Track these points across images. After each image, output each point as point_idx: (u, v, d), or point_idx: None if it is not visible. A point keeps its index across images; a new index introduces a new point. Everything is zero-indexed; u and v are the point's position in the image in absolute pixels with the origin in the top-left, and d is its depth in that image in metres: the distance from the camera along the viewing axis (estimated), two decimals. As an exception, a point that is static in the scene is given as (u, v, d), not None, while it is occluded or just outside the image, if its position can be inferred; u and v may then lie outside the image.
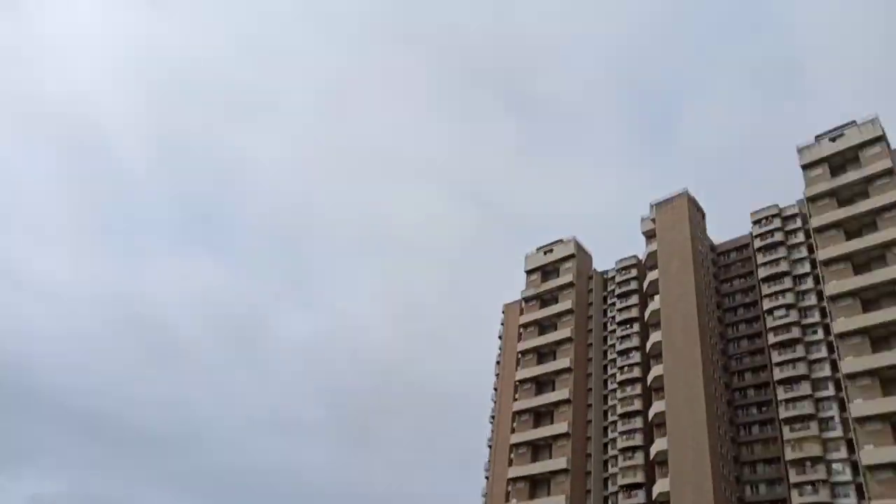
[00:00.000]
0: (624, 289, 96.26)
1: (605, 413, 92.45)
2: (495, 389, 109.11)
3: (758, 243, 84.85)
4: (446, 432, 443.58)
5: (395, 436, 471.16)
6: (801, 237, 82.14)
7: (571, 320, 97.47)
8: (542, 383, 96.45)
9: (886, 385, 61.23)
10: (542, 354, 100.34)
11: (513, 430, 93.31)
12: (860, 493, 61.28)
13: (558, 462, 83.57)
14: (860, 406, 60.48)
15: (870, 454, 57.45)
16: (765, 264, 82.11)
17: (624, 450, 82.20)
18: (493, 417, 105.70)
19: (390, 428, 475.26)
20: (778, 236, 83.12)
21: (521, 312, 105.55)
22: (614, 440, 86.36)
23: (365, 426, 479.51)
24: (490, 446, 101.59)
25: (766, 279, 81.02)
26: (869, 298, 68.60)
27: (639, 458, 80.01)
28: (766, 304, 78.85)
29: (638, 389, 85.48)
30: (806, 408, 69.14)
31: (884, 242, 69.55)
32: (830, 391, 69.19)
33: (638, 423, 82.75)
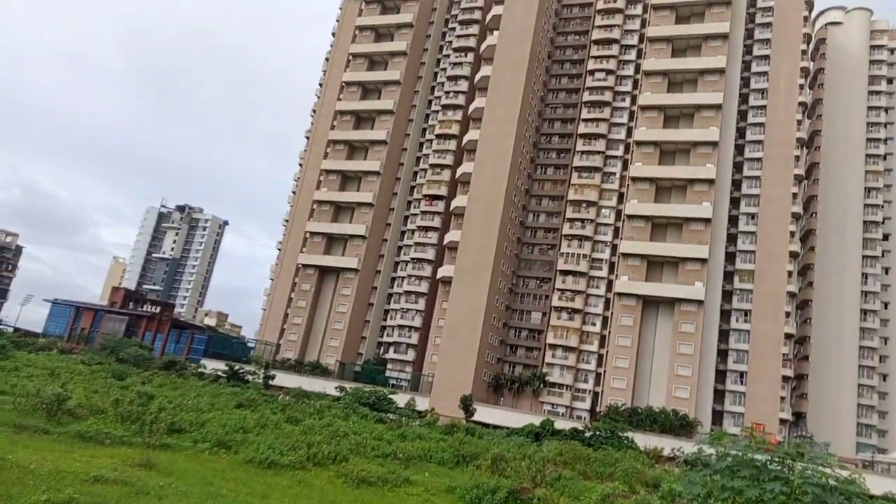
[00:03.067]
0: (467, 17, 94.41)
1: (424, 131, 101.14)
2: (320, 85, 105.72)
3: (600, 5, 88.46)
4: (262, 112, 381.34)
5: (207, 104, 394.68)
6: (638, 11, 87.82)
7: (410, 34, 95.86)
8: (368, 90, 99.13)
9: (663, 156, 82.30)
10: (374, 62, 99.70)
11: (332, 128, 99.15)
12: (616, 234, 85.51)
13: (372, 164, 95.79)
14: (639, 168, 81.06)
15: (633, 206, 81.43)
16: (600, 27, 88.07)
17: (434, 166, 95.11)
18: (314, 111, 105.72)
19: (201, 95, 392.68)
20: (619, 4, 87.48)
21: (360, 14, 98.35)
22: (427, 156, 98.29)
23: (173, 88, 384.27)
24: (308, 137, 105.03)
25: (598, 42, 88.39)
26: (675, 81, 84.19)
27: (446, 175, 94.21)
28: (591, 65, 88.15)
29: (459, 115, 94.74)
30: (596, 161, 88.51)
31: (704, 34, 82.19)
32: (619, 152, 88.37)
33: (452, 145, 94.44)
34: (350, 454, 20.95)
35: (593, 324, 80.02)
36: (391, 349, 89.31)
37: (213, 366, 68.24)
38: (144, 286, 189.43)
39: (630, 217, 78.35)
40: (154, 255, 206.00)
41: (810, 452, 8.90)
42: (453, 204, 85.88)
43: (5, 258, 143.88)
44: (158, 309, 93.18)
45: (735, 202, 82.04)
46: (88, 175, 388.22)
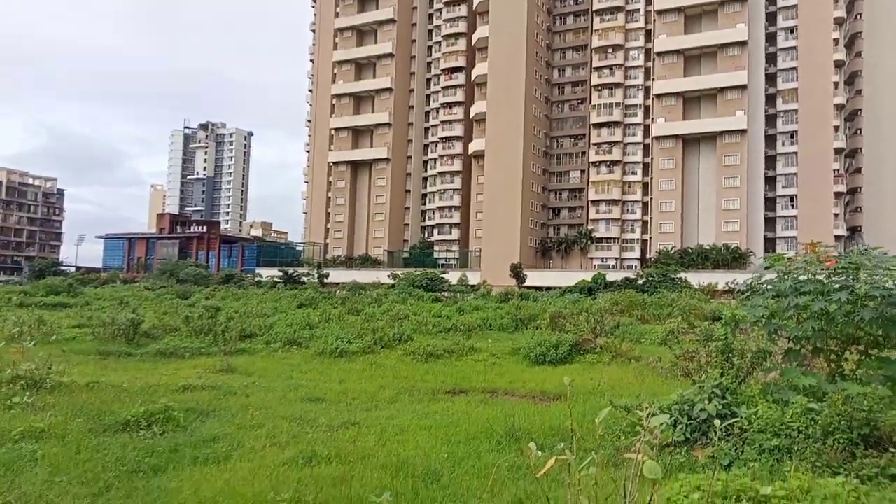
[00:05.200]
0: None
1: (431, 1, 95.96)
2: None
3: None
4: (264, 12, 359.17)
5: (207, 17, 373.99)
6: None
7: None
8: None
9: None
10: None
11: (336, 15, 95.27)
12: (647, 76, 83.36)
13: (384, 46, 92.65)
14: None
15: (663, 42, 77.57)
16: None
17: (448, 36, 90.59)
18: (314, 1, 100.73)
19: (200, 7, 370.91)
20: None
21: None
22: (439, 27, 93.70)
23: (171, 4, 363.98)
24: (313, 31, 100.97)
25: None
26: None
27: (461, 45, 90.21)
28: None
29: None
30: (617, 0, 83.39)
31: None
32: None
33: (463, 11, 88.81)
34: (413, 334, 21.74)
35: (634, 173, 78.61)
36: (435, 231, 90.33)
37: (267, 273, 70.58)
38: (187, 209, 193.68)
39: (660, 54, 74.37)
40: (189, 177, 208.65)
41: (874, 259, 8.68)
42: (474, 74, 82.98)
43: (50, 203, 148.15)
44: (205, 228, 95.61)
45: (771, 18, 76.65)
46: (111, 109, 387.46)
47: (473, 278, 64.61)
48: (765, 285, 9.42)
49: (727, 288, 47.76)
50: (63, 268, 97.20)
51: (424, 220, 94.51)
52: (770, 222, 73.98)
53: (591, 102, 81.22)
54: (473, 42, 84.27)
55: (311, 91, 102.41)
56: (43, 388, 11.49)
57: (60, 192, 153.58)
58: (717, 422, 3.52)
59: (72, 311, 32.03)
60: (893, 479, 6.02)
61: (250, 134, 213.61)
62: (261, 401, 11.67)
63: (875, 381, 7.87)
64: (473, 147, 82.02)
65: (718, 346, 9.98)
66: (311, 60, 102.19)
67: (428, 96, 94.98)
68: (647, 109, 78.18)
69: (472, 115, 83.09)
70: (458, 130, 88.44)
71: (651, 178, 75.37)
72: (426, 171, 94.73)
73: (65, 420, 9.55)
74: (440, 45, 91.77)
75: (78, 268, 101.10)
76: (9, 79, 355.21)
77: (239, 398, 11.89)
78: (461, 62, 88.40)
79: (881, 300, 8.06)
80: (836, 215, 71.21)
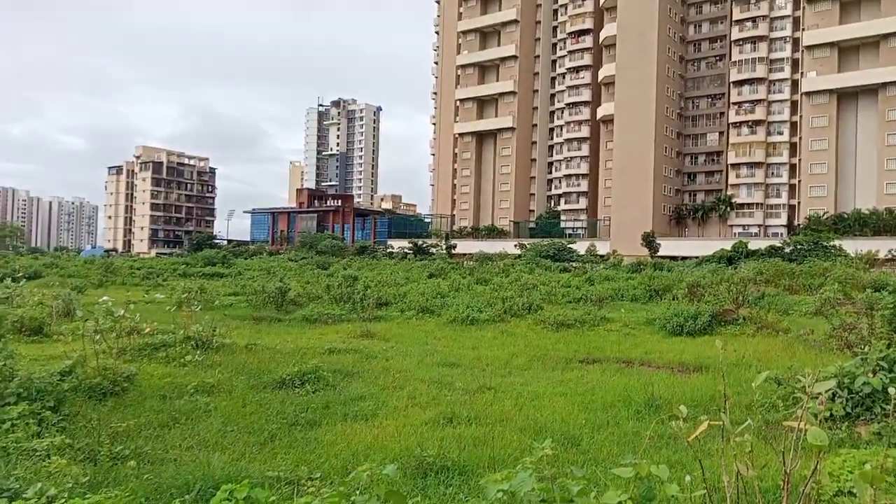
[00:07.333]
0: None
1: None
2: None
3: None
4: None
5: None
6: None
7: None
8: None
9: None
10: None
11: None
12: (796, 26, 74.08)
13: (508, 13, 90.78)
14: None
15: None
16: None
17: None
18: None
19: None
20: None
21: None
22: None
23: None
24: (438, 2, 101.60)
25: None
26: None
27: (589, 5, 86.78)
28: None
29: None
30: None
31: None
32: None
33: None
34: (542, 303, 21.69)
35: (780, 133, 72.63)
36: (561, 200, 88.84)
37: (398, 245, 73.04)
38: (322, 183, 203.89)
39: (811, 1, 67.62)
40: (323, 153, 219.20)
41: None
42: (602, 35, 79.91)
43: (204, 181, 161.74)
44: (340, 202, 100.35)
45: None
46: (251, 90, 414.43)
47: (602, 248, 63.03)
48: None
49: (890, 256, 43.24)
50: (217, 241, 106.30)
51: (551, 189, 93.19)
52: (944, 182, 65.56)
53: (730, 58, 75.64)
54: (601, 2, 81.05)
55: (436, 63, 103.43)
56: (210, 348, 12.78)
57: (212, 171, 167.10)
58: (891, 390, 3.23)
59: (227, 281, 35.09)
60: None
61: (379, 109, 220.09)
62: (400, 364, 12.25)
63: None
64: (602, 112, 79.35)
65: (885, 316, 9.15)
66: (437, 32, 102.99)
67: (553, 62, 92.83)
68: (795, 63, 71.55)
69: (600, 78, 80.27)
70: (585, 95, 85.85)
71: (800, 139, 69.27)
72: (552, 138, 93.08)
73: (230, 377, 10.60)
74: (566, 9, 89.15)
75: (229, 241, 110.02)
76: (165, 68, 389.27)
77: (379, 361, 12.56)
78: (588, 24, 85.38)
79: None
80: None
